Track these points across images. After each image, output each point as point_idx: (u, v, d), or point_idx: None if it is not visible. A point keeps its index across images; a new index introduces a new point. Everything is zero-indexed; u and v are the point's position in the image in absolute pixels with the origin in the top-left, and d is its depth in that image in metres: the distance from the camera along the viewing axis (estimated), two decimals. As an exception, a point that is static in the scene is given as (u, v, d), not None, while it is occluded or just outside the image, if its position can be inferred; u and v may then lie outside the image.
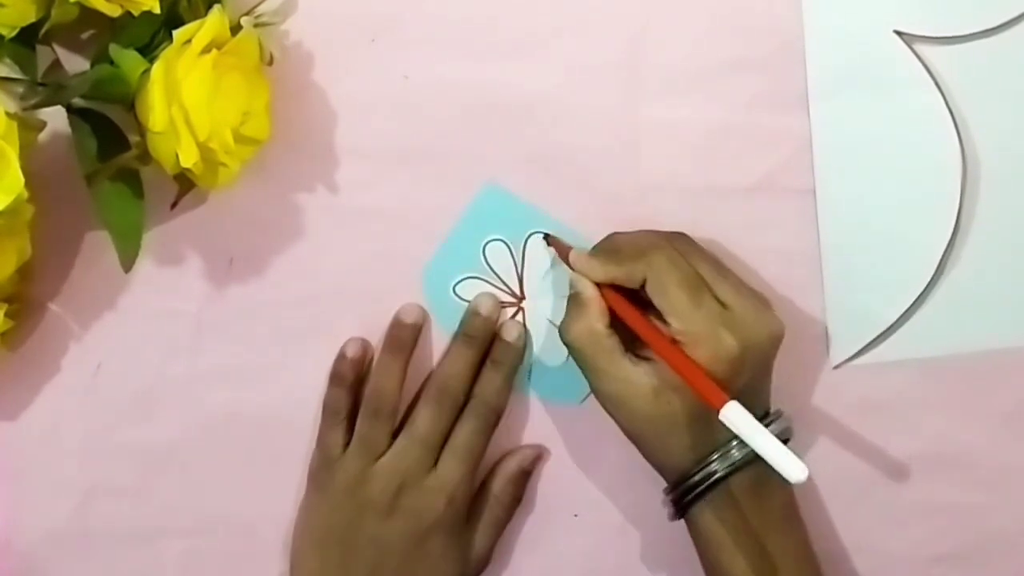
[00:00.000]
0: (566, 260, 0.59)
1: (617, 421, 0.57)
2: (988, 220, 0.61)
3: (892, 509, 0.63)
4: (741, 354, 0.54)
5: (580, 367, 0.57)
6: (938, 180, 0.60)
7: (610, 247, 0.58)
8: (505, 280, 0.61)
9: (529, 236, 0.61)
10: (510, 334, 0.61)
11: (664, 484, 0.57)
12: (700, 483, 0.55)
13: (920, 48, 0.60)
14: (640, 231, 0.58)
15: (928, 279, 0.61)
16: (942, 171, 0.60)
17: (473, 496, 0.61)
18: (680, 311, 0.54)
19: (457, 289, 0.61)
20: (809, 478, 0.62)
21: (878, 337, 0.62)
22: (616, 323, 0.56)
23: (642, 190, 0.61)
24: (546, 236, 0.61)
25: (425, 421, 0.59)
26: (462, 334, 0.61)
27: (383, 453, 0.59)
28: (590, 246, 0.60)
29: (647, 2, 0.60)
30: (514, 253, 0.61)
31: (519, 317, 0.62)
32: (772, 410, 0.57)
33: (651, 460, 0.57)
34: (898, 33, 0.60)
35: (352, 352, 0.60)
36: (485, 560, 0.61)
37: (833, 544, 0.63)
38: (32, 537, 0.62)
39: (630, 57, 0.60)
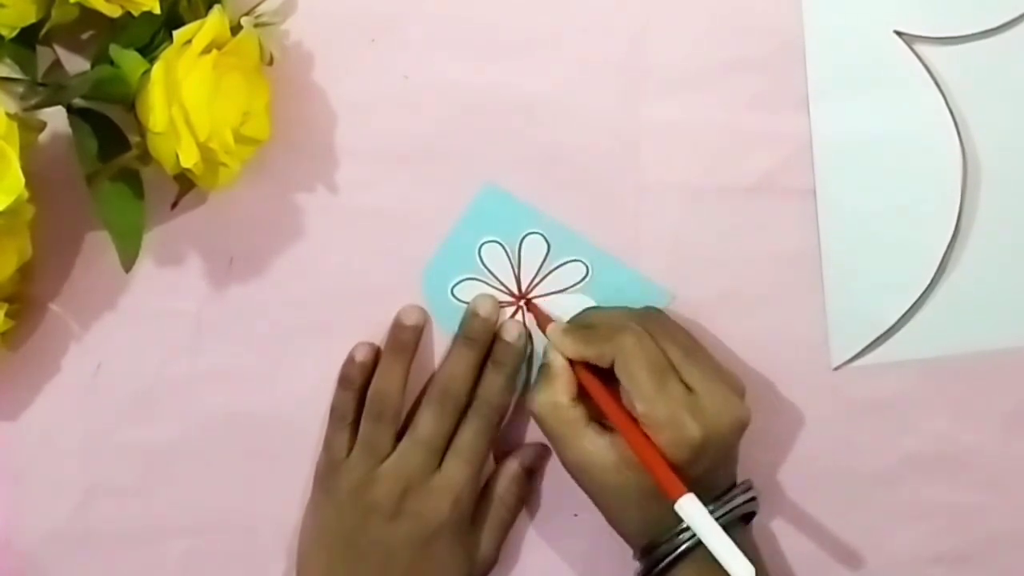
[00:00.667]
0: (543, 329, 0.60)
1: (581, 487, 0.58)
2: (989, 221, 0.61)
3: (892, 509, 0.63)
4: (703, 441, 0.55)
5: (545, 435, 0.58)
6: (938, 181, 0.60)
7: (586, 322, 0.59)
8: (503, 280, 0.61)
9: (525, 236, 0.61)
10: (510, 334, 0.61)
11: None
12: (661, 557, 0.56)
13: (920, 48, 0.60)
14: (615, 309, 0.60)
15: (928, 280, 0.61)
16: (942, 172, 0.60)
17: (478, 497, 0.61)
18: (645, 395, 0.55)
19: (455, 291, 0.61)
20: (809, 478, 0.62)
21: (878, 338, 0.62)
22: (584, 394, 0.57)
23: (642, 190, 0.61)
24: (528, 303, 0.61)
25: (428, 423, 0.59)
26: (462, 336, 0.61)
27: (387, 456, 0.59)
28: (589, 246, 0.60)
29: (647, 2, 0.60)
30: (510, 253, 0.61)
31: (520, 316, 0.62)
32: (740, 481, 0.58)
33: (615, 528, 0.58)
34: (898, 33, 0.60)
35: (361, 356, 0.60)
36: (492, 561, 0.61)
37: (833, 544, 0.63)
38: (32, 537, 0.62)
39: (630, 57, 0.60)
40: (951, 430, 0.62)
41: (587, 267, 0.61)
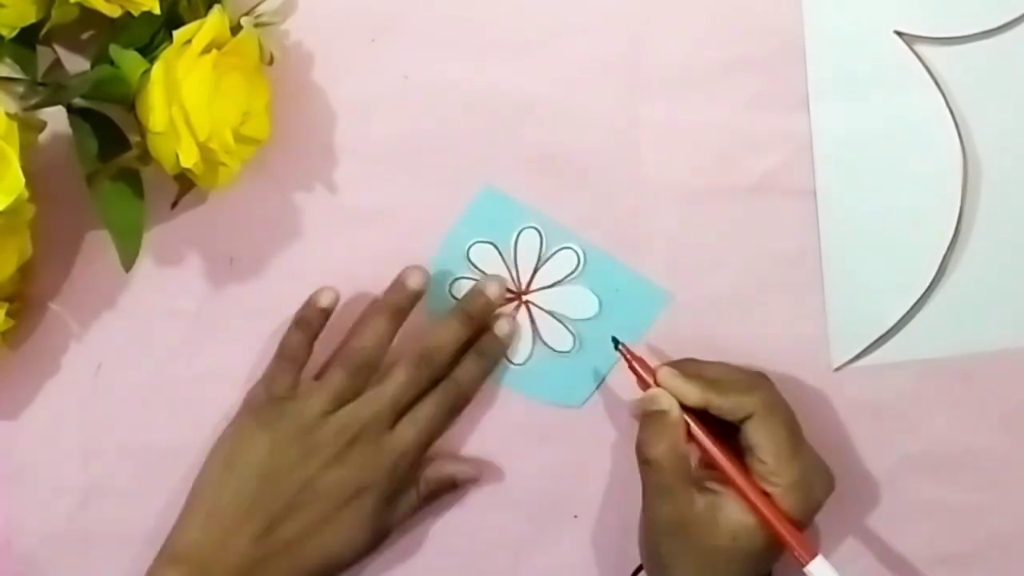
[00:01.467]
0: (640, 376, 0.58)
1: (658, 545, 0.57)
2: (989, 221, 0.61)
3: (893, 510, 0.62)
4: (818, 508, 0.56)
5: (648, 484, 0.57)
6: (939, 181, 0.60)
7: (701, 374, 0.58)
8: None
9: (520, 231, 0.61)
10: (502, 329, 0.60)
11: None
12: None
13: (921, 49, 0.60)
14: (722, 363, 0.59)
15: (929, 281, 0.61)
16: (943, 172, 0.60)
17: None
18: (783, 454, 0.55)
19: (453, 289, 0.61)
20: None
21: (879, 339, 0.61)
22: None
23: (642, 190, 0.61)
24: (617, 344, 0.59)
25: (399, 381, 0.59)
26: (461, 310, 0.60)
27: (346, 404, 0.59)
28: (589, 247, 0.60)
29: (647, 2, 0.60)
30: (503, 252, 0.61)
31: (522, 311, 0.62)
32: None
33: None
34: (899, 34, 0.60)
35: (326, 302, 0.59)
36: (387, 532, 0.60)
37: (834, 545, 0.63)
38: (32, 537, 0.62)
39: (630, 57, 0.60)
40: (951, 431, 0.62)
41: (578, 255, 0.61)
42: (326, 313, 0.60)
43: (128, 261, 0.57)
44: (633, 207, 0.61)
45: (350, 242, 0.61)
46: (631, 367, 0.58)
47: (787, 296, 0.61)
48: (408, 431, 0.59)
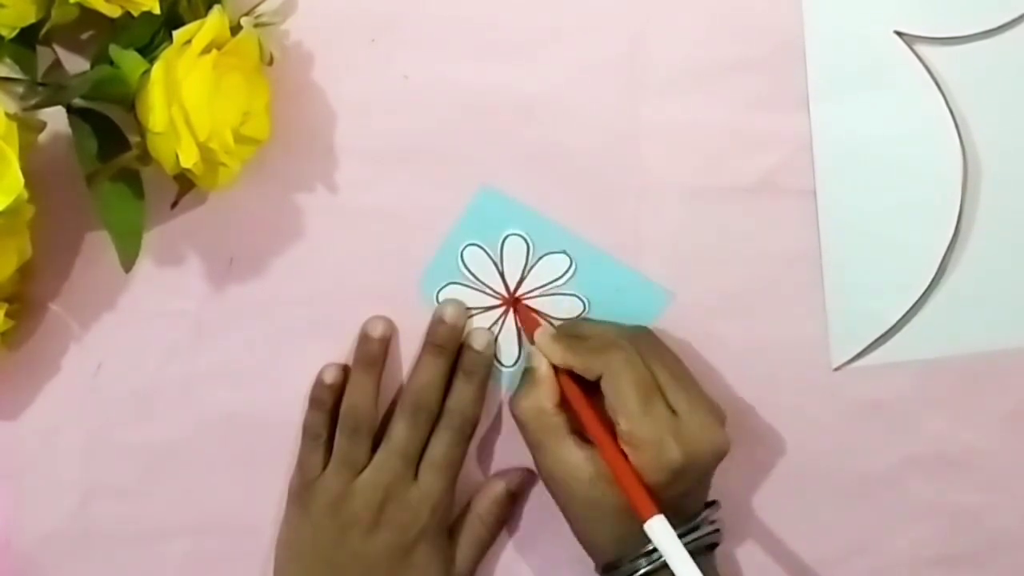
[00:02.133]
0: (531, 333, 0.59)
1: (554, 498, 0.58)
2: (989, 221, 0.61)
3: (892, 510, 0.63)
4: (683, 465, 0.55)
5: (525, 440, 0.58)
6: (939, 181, 0.60)
7: (575, 332, 0.59)
8: (489, 283, 0.61)
9: (505, 238, 0.61)
10: (478, 342, 0.60)
11: None
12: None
13: (921, 49, 0.60)
14: (608, 323, 0.60)
15: (929, 280, 0.61)
16: (943, 172, 0.60)
17: (454, 507, 0.61)
18: (630, 413, 0.55)
19: (440, 296, 0.61)
20: (809, 479, 0.62)
21: (879, 339, 0.62)
22: (566, 403, 0.58)
23: (642, 190, 0.61)
24: (517, 304, 0.61)
25: (401, 434, 0.59)
26: (429, 344, 0.60)
27: (363, 468, 0.59)
28: (587, 246, 0.60)
29: (647, 2, 0.60)
30: (492, 255, 0.61)
31: (510, 316, 0.61)
32: (709, 503, 0.58)
33: (580, 541, 0.58)
34: (899, 34, 0.60)
35: (330, 379, 0.60)
36: None
37: (834, 545, 0.63)
38: (32, 537, 0.62)
39: (630, 57, 0.60)
40: (951, 430, 0.62)
41: (571, 258, 0.61)
42: (335, 388, 0.60)
43: (128, 261, 0.57)
44: (633, 207, 0.61)
45: (350, 242, 0.61)
46: (519, 323, 0.60)
47: (787, 296, 0.61)
48: (430, 476, 0.59)
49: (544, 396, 0.57)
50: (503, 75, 0.61)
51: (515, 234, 0.61)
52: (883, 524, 0.63)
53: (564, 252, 0.61)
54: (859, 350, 0.62)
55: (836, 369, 0.62)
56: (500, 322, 0.61)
